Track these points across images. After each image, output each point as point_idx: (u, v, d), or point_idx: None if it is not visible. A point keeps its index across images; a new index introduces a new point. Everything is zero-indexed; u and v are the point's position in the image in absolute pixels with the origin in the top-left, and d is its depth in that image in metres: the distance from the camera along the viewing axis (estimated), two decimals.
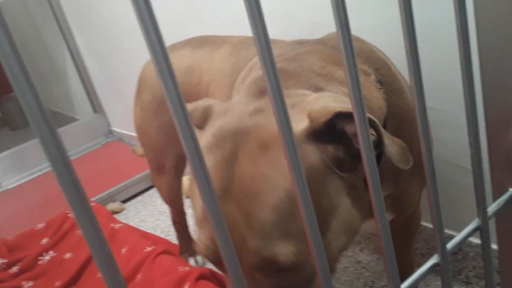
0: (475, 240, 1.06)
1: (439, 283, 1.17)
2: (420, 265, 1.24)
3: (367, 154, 0.41)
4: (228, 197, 0.53)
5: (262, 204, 0.51)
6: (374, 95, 0.68)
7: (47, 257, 1.59)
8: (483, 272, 1.08)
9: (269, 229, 0.51)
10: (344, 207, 0.56)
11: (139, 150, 1.87)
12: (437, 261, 0.54)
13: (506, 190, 0.64)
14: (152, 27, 0.29)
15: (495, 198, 0.64)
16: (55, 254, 1.60)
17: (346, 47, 0.37)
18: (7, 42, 0.25)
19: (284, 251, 0.50)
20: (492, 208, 0.61)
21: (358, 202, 0.58)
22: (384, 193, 0.45)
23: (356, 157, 0.54)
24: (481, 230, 0.58)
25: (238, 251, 0.51)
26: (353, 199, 0.57)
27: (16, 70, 0.25)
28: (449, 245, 0.55)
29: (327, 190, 0.54)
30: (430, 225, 1.16)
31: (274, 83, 0.34)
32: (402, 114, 0.73)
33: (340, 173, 0.55)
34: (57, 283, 1.44)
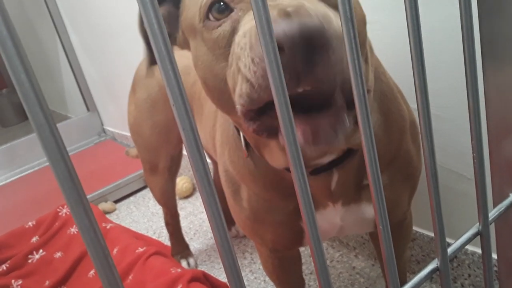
0: (471, 248, 1.05)
1: None
2: (415, 272, 1.23)
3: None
4: None
5: None
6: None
7: (36, 256, 1.56)
8: (478, 280, 1.07)
9: None
10: None
11: (133, 151, 1.85)
12: (437, 266, 0.53)
13: (507, 196, 0.63)
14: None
15: (495, 204, 0.63)
16: (44, 253, 1.58)
17: None
18: (8, 34, 0.24)
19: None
20: (492, 213, 0.60)
21: None
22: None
23: None
24: (481, 235, 0.57)
25: None
26: None
27: (16, 63, 0.25)
28: (449, 249, 0.54)
29: None
30: (425, 232, 1.15)
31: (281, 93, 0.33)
32: (392, 94, 0.72)
33: None
34: (47, 282, 1.41)
